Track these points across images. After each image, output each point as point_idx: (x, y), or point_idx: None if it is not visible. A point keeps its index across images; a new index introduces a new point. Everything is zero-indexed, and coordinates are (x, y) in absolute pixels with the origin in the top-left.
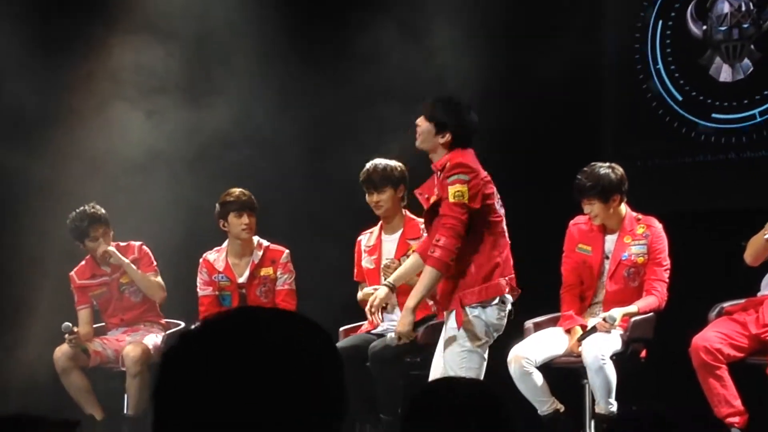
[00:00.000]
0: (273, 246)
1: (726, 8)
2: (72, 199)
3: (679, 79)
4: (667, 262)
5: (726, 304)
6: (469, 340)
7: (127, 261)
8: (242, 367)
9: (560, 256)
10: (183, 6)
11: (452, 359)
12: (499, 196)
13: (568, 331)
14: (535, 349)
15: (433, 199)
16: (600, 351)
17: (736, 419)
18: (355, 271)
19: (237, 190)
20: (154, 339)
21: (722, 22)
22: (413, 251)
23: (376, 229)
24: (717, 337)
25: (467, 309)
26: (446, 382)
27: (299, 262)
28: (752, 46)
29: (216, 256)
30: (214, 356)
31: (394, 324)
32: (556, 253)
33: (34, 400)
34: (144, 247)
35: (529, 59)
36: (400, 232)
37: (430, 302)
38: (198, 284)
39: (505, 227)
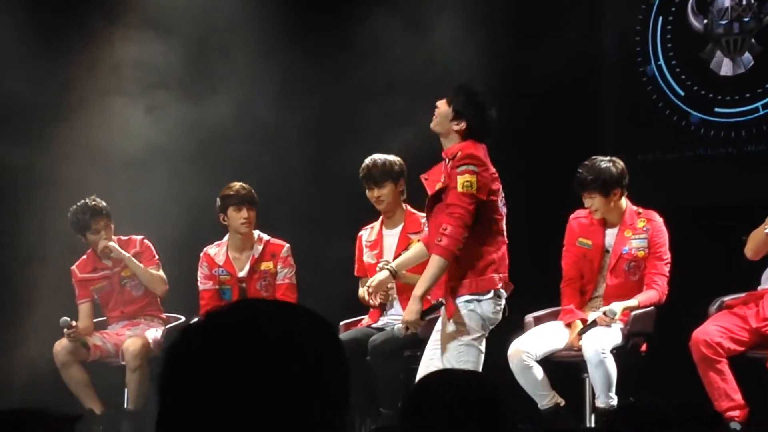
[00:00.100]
0: (273, 240)
1: (727, 2)
2: (73, 194)
3: (681, 74)
4: (668, 256)
5: (726, 298)
6: (465, 333)
7: (128, 255)
8: (245, 360)
9: (561, 250)
10: (184, 1)
11: (450, 353)
12: (503, 196)
13: (568, 325)
14: (536, 343)
15: (438, 186)
16: (600, 345)
17: (736, 413)
18: (356, 266)
19: (237, 184)
20: (154, 333)
21: (723, 15)
22: (418, 241)
23: (376, 224)
24: (717, 330)
25: (459, 301)
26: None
27: (300, 256)
28: (753, 40)
29: (216, 250)
30: (216, 349)
31: (394, 318)
32: (556, 247)
33: (36, 395)
34: (145, 240)
35: (531, 54)
36: (401, 226)
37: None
38: (199, 278)
39: (504, 227)
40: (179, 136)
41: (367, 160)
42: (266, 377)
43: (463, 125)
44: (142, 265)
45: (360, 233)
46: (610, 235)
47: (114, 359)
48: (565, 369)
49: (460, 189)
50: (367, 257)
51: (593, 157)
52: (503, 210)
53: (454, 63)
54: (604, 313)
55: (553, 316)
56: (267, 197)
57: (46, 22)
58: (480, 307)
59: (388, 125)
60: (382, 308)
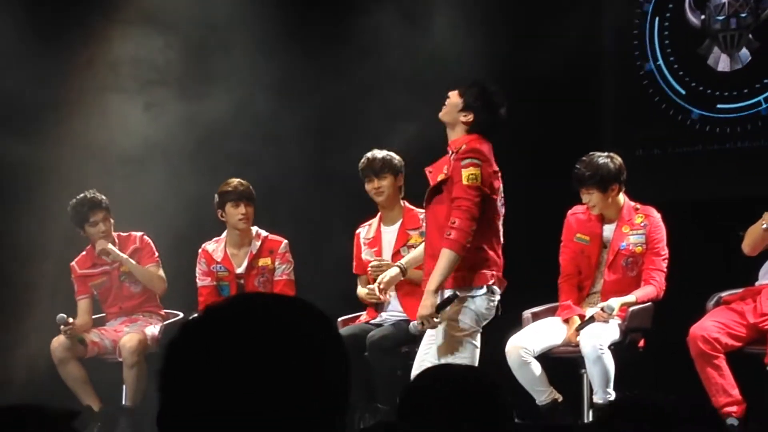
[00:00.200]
0: (271, 236)
1: None
2: (72, 191)
3: (678, 71)
4: (666, 252)
5: (724, 294)
6: (459, 329)
7: (125, 256)
8: (244, 354)
9: (558, 245)
10: None
11: (444, 349)
12: (503, 196)
13: (566, 321)
14: (533, 338)
15: (440, 178)
16: (598, 341)
17: (733, 408)
18: (354, 264)
19: (235, 181)
20: (152, 329)
21: (720, 11)
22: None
23: (374, 221)
24: (715, 326)
25: (446, 291)
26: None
27: (300, 253)
28: (750, 36)
29: (215, 247)
30: (216, 344)
31: (393, 315)
32: (554, 243)
33: (35, 393)
34: (145, 237)
35: (529, 49)
36: (399, 222)
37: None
38: (197, 275)
39: (500, 228)
40: (178, 133)
41: (368, 154)
42: (266, 371)
43: (470, 117)
44: (140, 266)
45: (357, 231)
46: (608, 231)
47: (111, 356)
48: (562, 365)
49: (465, 182)
50: (366, 254)
51: (591, 153)
52: (501, 210)
53: (452, 60)
54: (602, 309)
55: (551, 312)
56: (266, 194)
57: (44, 20)
58: (473, 303)
59: (388, 122)
60: (376, 307)
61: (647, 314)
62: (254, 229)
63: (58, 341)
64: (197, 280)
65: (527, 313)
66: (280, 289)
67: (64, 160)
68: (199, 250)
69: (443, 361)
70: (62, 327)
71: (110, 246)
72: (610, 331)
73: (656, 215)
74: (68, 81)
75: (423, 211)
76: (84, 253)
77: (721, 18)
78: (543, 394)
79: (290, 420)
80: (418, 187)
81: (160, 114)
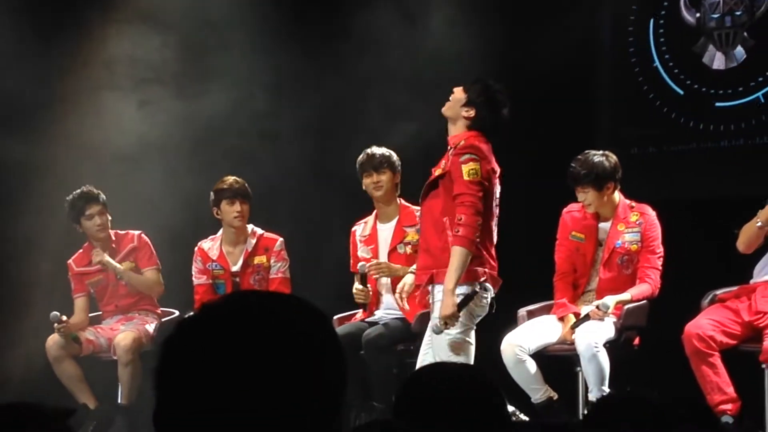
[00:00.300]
0: (267, 234)
1: None
2: (69, 189)
3: (674, 68)
4: (661, 250)
5: (719, 292)
6: (453, 328)
7: (121, 268)
8: (240, 352)
9: (553, 243)
10: None
11: (440, 347)
12: (498, 198)
13: (561, 319)
14: (529, 336)
15: (437, 173)
16: (593, 339)
17: (728, 406)
18: (351, 261)
19: (231, 178)
20: (147, 327)
21: (715, 9)
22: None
23: (370, 219)
24: (710, 324)
25: (438, 287)
26: (437, 367)
27: (298, 251)
28: (745, 34)
29: (210, 245)
30: (212, 342)
31: (388, 313)
32: (549, 241)
33: (32, 392)
34: (143, 236)
35: (524, 48)
36: (395, 220)
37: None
38: (193, 273)
39: (494, 229)
40: (175, 131)
41: (367, 149)
42: (261, 369)
43: (471, 113)
44: (136, 275)
45: (353, 228)
46: (603, 229)
47: (106, 354)
48: (558, 363)
49: (466, 177)
50: (362, 252)
51: (586, 151)
52: (495, 210)
53: (451, 59)
54: (597, 307)
55: (546, 310)
56: (264, 192)
57: (41, 19)
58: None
59: (386, 120)
60: (364, 306)
61: (642, 312)
62: (250, 226)
63: (53, 339)
64: (193, 278)
65: (522, 311)
66: (275, 287)
67: (59, 159)
68: (195, 248)
69: (438, 359)
70: (56, 325)
71: (107, 258)
72: (605, 329)
73: (651, 213)
74: (64, 80)
75: (418, 208)
76: (81, 250)
77: (716, 16)
78: (538, 392)
79: (286, 418)
80: (416, 186)
81: (157, 112)
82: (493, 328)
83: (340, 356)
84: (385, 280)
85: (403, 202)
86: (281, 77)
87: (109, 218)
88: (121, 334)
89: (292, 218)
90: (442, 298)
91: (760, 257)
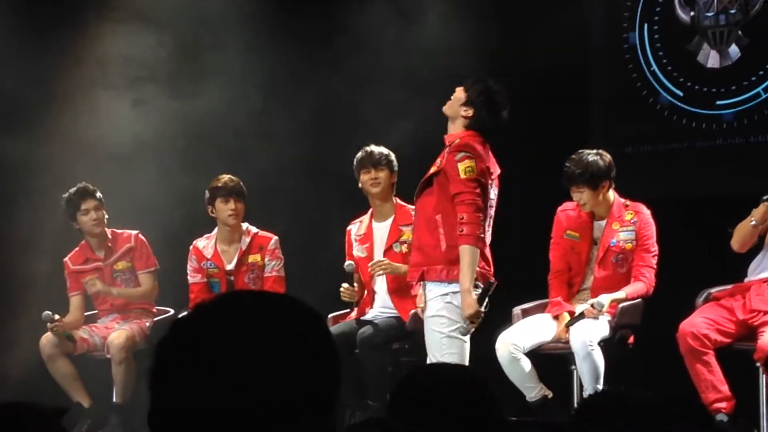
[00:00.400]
0: (261, 233)
1: None
2: (62, 187)
3: (667, 66)
4: (655, 249)
5: (713, 290)
6: (445, 326)
7: (115, 292)
8: (234, 352)
9: (548, 242)
10: None
11: (433, 346)
12: (494, 198)
13: (556, 318)
14: (523, 335)
15: (432, 170)
16: (588, 337)
17: (723, 405)
18: (346, 261)
19: (225, 177)
20: (141, 326)
21: (709, 7)
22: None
23: (365, 218)
24: (704, 322)
25: (435, 295)
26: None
27: (295, 250)
28: (739, 32)
29: (205, 243)
30: (205, 342)
31: (382, 312)
32: (544, 240)
33: (30, 390)
34: (140, 236)
35: (519, 45)
36: (391, 218)
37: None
38: (188, 271)
39: (488, 228)
40: (171, 129)
41: (365, 147)
42: (255, 369)
43: (470, 113)
44: (129, 291)
45: (348, 228)
46: (598, 228)
47: (100, 353)
48: (552, 361)
49: (463, 175)
50: (357, 251)
51: (580, 150)
52: (489, 212)
53: (447, 57)
54: (592, 306)
55: (541, 309)
56: (261, 191)
57: (36, 18)
58: (455, 298)
59: (381, 118)
60: (348, 305)
61: (637, 311)
62: (244, 225)
63: (47, 338)
64: (188, 277)
65: (517, 310)
66: (269, 286)
67: (54, 157)
68: (190, 247)
69: (433, 359)
70: (48, 324)
71: (99, 286)
72: (600, 328)
73: (646, 212)
74: (58, 78)
75: (414, 207)
76: (77, 248)
77: (710, 14)
78: (533, 390)
79: (280, 418)
80: (411, 185)
81: (153, 110)
82: (487, 327)
83: (334, 356)
84: (381, 279)
85: (398, 201)
86: (276, 76)
87: (106, 216)
88: (115, 332)
89: (289, 217)
90: (462, 299)
91: (754, 256)
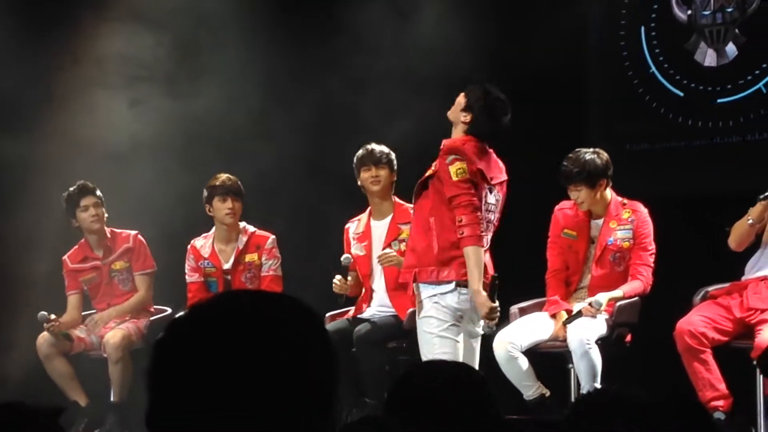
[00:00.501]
0: (259, 232)
1: None
2: (60, 187)
3: (663, 63)
4: (653, 247)
5: (710, 288)
6: (435, 326)
7: (114, 313)
8: (230, 352)
9: (546, 241)
10: None
11: (425, 347)
12: (493, 203)
13: (553, 316)
14: (521, 333)
15: (428, 173)
16: (585, 335)
17: (720, 403)
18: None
19: (223, 175)
20: (137, 325)
21: (706, 6)
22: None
23: (364, 216)
24: (701, 321)
25: (423, 297)
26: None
27: (294, 249)
28: (737, 30)
29: (203, 243)
30: (202, 343)
31: (380, 310)
32: (541, 239)
33: (29, 390)
34: (139, 237)
35: (517, 44)
36: (389, 217)
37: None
38: (186, 270)
39: (483, 232)
40: (167, 128)
41: (366, 145)
42: (252, 369)
43: (468, 118)
44: (123, 307)
45: (346, 226)
46: (596, 227)
47: (97, 352)
48: (550, 360)
49: (455, 178)
50: (355, 249)
51: (577, 149)
52: (488, 216)
53: (440, 55)
54: (590, 304)
55: (539, 307)
56: (260, 190)
57: (34, 17)
58: (443, 299)
59: (379, 117)
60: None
61: (634, 309)
62: (242, 224)
63: (44, 337)
64: (186, 276)
65: (514, 308)
66: (266, 285)
67: (51, 157)
68: (188, 246)
69: (424, 358)
70: (45, 324)
71: (97, 318)
72: (597, 326)
73: (643, 210)
74: (56, 77)
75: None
76: (76, 246)
77: (707, 13)
78: (530, 389)
79: (279, 417)
80: (410, 184)
81: (149, 110)
82: None
83: (331, 354)
84: (379, 278)
85: (397, 199)
86: (274, 75)
87: (106, 215)
88: (111, 331)
89: (288, 216)
90: (475, 300)
91: (751, 254)
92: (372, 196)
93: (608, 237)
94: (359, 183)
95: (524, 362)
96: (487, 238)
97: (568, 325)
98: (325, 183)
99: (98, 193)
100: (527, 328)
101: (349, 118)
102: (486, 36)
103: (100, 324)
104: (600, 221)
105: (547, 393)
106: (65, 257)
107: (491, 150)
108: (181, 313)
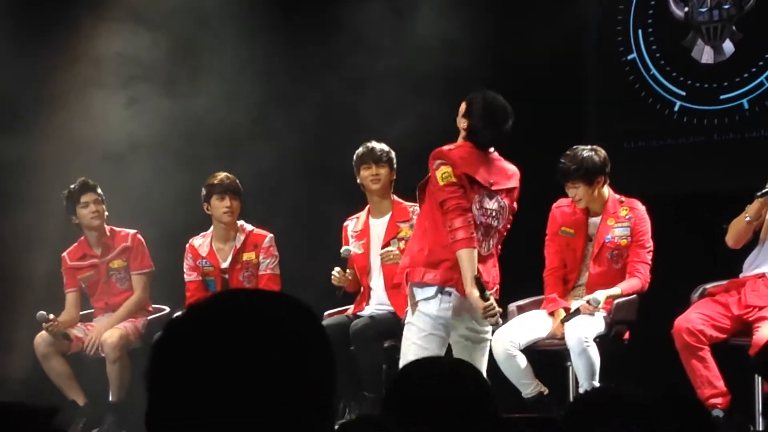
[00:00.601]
0: (256, 230)
1: None
2: (57, 187)
3: (660, 60)
4: (650, 244)
5: (708, 286)
6: (414, 333)
7: (113, 320)
8: (229, 352)
9: (543, 239)
10: None
11: (403, 351)
12: (489, 209)
13: (551, 314)
14: (519, 331)
15: (427, 177)
16: (583, 333)
17: (719, 400)
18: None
19: (221, 174)
20: (135, 325)
21: (703, 3)
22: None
23: (362, 214)
24: (699, 318)
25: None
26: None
27: (293, 247)
28: (734, 27)
29: (201, 242)
30: (200, 342)
31: (378, 308)
32: (539, 237)
33: (29, 390)
34: (138, 236)
35: (515, 41)
36: (389, 215)
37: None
38: (184, 270)
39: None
40: (165, 128)
41: (366, 143)
42: (251, 368)
43: (465, 124)
44: (118, 315)
45: (345, 224)
46: (593, 224)
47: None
48: (548, 357)
49: (441, 182)
50: (354, 247)
51: (575, 146)
52: (481, 219)
53: (438, 53)
54: (588, 302)
55: (537, 305)
56: (259, 188)
57: (32, 17)
58: (425, 306)
59: (378, 115)
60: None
61: (632, 307)
62: (240, 222)
63: (42, 337)
64: (185, 275)
65: (512, 306)
66: (264, 284)
67: (49, 156)
68: (187, 245)
69: (402, 362)
70: (44, 324)
71: (94, 341)
72: (596, 324)
73: (641, 208)
74: (53, 77)
75: (412, 204)
76: (75, 244)
77: (704, 10)
78: (529, 386)
79: (276, 417)
80: (409, 182)
81: (146, 109)
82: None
83: (329, 353)
84: (378, 276)
85: (396, 198)
86: (273, 75)
87: (106, 213)
88: (108, 331)
89: (287, 215)
90: (472, 302)
91: (748, 252)
92: (371, 194)
93: (606, 234)
94: (359, 181)
95: (522, 360)
96: (489, 243)
97: (566, 323)
98: (325, 182)
99: (99, 190)
100: (525, 326)
101: (349, 117)
102: (485, 35)
103: (97, 339)
104: (598, 219)
105: (546, 391)
106: (64, 254)
107: (498, 157)
108: (179, 313)
